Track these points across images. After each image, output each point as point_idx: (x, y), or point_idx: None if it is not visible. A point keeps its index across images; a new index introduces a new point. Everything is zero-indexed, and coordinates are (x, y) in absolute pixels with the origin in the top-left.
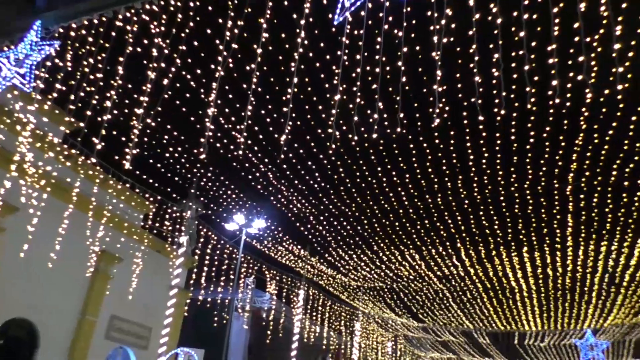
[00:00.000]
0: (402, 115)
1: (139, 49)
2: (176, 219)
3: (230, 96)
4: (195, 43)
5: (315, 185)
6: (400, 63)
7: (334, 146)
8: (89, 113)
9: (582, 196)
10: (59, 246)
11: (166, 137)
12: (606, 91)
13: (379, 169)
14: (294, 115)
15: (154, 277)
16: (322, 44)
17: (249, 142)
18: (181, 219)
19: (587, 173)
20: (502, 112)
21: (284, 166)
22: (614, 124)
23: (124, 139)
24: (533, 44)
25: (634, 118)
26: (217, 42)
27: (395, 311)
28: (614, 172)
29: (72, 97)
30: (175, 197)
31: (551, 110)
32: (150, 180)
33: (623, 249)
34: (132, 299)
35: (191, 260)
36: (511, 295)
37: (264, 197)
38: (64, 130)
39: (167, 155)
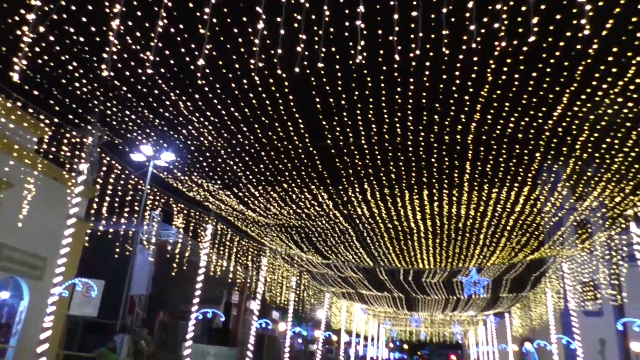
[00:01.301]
0: (322, 50)
1: None
2: (75, 145)
3: (138, 13)
4: None
5: (228, 119)
6: None
7: (257, 78)
8: None
9: (481, 146)
10: None
11: (65, 52)
12: (515, 42)
13: (294, 105)
14: (209, 42)
15: (50, 205)
16: None
17: (159, 67)
18: (81, 145)
19: (488, 123)
20: (417, 52)
21: (196, 96)
22: (516, 78)
23: (12, 48)
24: None
25: (534, 74)
26: None
27: (302, 248)
28: (511, 125)
29: None
30: (75, 121)
31: (461, 56)
32: (46, 101)
33: (510, 196)
34: (25, 227)
35: (92, 189)
36: (410, 236)
37: (174, 128)
38: None
39: (66, 73)
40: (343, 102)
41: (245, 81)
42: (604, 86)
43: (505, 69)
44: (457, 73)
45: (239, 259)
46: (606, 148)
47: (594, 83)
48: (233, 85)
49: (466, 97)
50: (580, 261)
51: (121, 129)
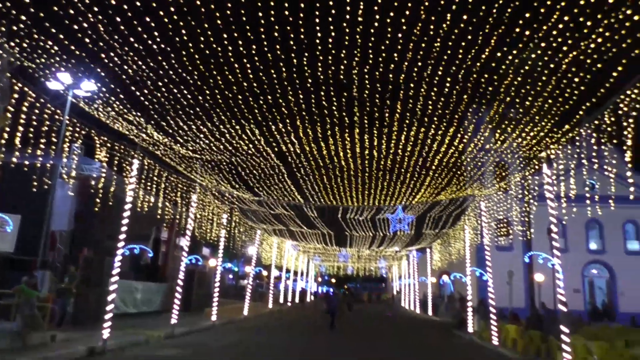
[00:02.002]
0: None
1: None
2: None
3: None
4: None
5: (154, 46)
6: None
7: None
8: None
9: (412, 85)
10: None
11: None
12: None
13: (225, 35)
14: None
15: None
16: None
17: None
18: None
19: (419, 64)
20: None
21: (118, 19)
22: (447, 18)
23: None
24: None
25: (465, 17)
26: None
27: (233, 184)
28: (441, 66)
29: None
30: None
31: None
32: None
33: (437, 136)
34: None
35: (2, 118)
36: (340, 174)
37: (94, 54)
38: None
39: None
40: (276, 33)
41: (172, 8)
42: (529, 31)
43: (438, 7)
44: (390, 10)
45: (168, 195)
46: (526, 92)
47: (520, 27)
48: (156, 6)
49: (399, 36)
50: (496, 200)
51: (34, 52)
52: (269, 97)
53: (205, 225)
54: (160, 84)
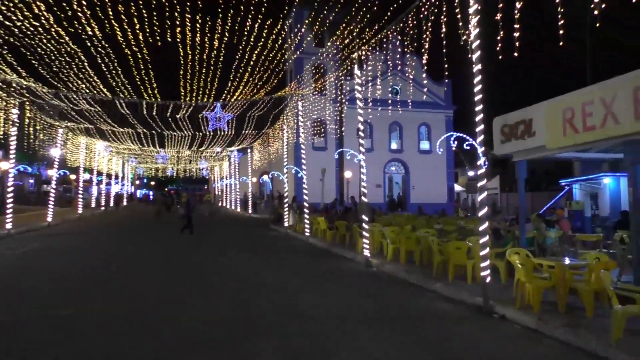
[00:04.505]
0: None
1: None
2: None
3: None
4: None
5: None
6: None
7: None
8: None
9: None
10: None
11: None
12: None
13: None
14: None
15: None
16: None
17: None
18: None
19: None
20: None
21: None
22: None
23: None
24: None
25: None
26: None
27: (20, 73)
28: None
29: None
30: None
31: None
32: None
33: (254, 29)
34: None
35: None
36: (151, 66)
37: None
38: None
39: None
40: None
41: None
42: None
43: None
44: None
45: None
46: None
47: None
48: None
49: None
50: (312, 100)
51: None
52: None
53: None
54: None
